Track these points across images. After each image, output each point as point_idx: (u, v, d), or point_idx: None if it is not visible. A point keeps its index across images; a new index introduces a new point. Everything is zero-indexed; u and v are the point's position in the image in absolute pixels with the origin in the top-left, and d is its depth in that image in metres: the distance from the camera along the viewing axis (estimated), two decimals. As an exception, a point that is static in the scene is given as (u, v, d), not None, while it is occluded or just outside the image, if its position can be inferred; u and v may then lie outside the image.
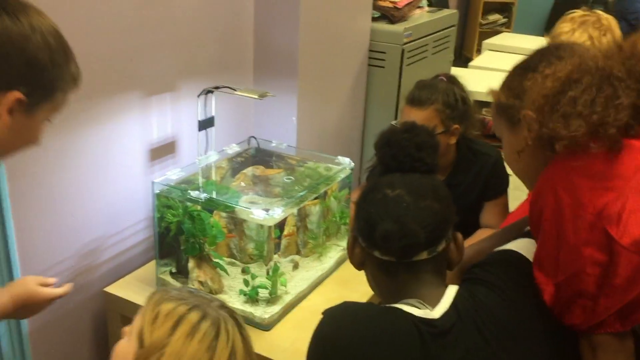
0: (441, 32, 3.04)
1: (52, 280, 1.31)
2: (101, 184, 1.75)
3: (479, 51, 5.47)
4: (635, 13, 4.75)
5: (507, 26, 6.63)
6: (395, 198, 1.08)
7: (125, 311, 1.73)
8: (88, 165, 1.70)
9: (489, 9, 6.64)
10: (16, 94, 0.96)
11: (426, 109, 1.90)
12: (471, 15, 6.64)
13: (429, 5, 3.17)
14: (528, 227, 1.19)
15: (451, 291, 1.09)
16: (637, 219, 0.95)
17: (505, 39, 5.11)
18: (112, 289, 1.78)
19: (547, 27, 6.60)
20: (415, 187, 1.09)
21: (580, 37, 1.89)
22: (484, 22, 6.55)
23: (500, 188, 2.05)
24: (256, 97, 1.71)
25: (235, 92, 1.75)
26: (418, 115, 1.89)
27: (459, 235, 1.14)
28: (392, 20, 2.71)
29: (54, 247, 1.66)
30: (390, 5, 2.70)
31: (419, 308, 1.07)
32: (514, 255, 1.16)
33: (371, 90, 2.71)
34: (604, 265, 0.97)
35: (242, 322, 0.98)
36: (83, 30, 1.57)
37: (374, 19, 2.68)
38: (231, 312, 0.97)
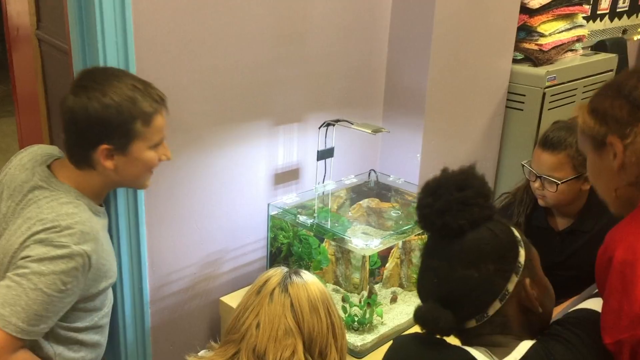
0: (595, 77, 2.90)
1: None
2: (226, 201, 1.93)
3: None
4: None
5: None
6: None
7: (235, 321, 1.87)
8: (216, 184, 1.88)
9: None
10: (103, 146, 1.35)
11: (558, 154, 1.77)
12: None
13: (592, 49, 3.04)
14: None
15: (524, 346, 1.06)
16: None
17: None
18: (228, 300, 1.94)
19: None
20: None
21: None
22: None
23: None
24: (369, 131, 1.79)
25: (352, 126, 1.84)
26: (548, 160, 1.78)
27: (527, 281, 1.08)
28: (535, 63, 2.64)
29: (179, 254, 1.86)
30: (535, 47, 2.64)
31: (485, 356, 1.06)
32: (595, 314, 1.11)
33: (507, 132, 2.66)
34: None
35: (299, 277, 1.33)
36: (221, 64, 1.77)
37: (516, 61, 2.64)
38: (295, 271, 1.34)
